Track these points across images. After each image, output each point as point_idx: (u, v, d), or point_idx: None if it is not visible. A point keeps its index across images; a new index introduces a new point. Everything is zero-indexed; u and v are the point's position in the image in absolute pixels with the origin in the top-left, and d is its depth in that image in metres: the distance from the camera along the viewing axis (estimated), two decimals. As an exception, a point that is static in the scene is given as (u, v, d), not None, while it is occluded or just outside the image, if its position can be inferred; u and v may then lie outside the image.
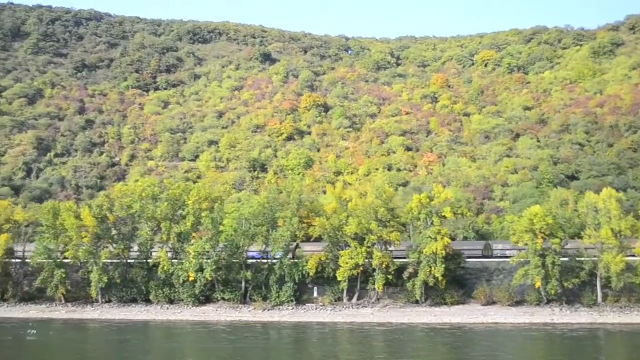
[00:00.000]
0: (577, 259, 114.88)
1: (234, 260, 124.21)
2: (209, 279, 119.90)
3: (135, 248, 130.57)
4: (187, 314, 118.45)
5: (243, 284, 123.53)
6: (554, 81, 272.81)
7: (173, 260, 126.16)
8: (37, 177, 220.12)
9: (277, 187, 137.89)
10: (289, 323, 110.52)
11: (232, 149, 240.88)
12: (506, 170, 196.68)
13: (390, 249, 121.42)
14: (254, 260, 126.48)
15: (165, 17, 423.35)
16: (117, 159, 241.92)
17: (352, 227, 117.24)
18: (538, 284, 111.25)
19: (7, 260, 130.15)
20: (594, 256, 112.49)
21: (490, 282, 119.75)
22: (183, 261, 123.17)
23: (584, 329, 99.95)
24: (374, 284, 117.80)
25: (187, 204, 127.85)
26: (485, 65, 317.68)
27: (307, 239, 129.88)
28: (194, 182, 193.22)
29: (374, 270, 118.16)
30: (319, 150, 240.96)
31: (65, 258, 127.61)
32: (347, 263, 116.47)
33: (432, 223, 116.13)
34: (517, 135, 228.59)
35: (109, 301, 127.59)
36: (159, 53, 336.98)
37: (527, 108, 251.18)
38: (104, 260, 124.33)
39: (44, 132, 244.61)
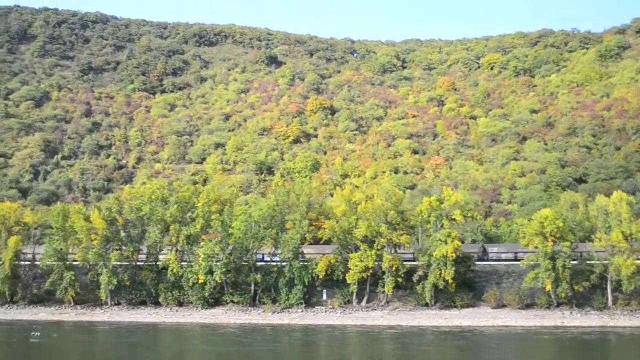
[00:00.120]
0: (588, 262, 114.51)
1: (244, 263, 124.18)
2: (219, 281, 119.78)
3: (145, 250, 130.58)
4: (197, 316, 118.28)
5: (252, 287, 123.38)
6: (560, 84, 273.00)
7: (182, 263, 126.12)
8: (45, 179, 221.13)
9: (286, 190, 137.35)
10: (299, 326, 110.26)
11: (239, 152, 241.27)
12: (514, 173, 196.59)
13: (399, 251, 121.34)
14: (263, 263, 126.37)
15: (171, 20, 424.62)
16: (124, 161, 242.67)
17: (362, 230, 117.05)
18: (548, 287, 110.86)
19: (16, 262, 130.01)
20: (605, 259, 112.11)
21: (500, 285, 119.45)
22: (192, 264, 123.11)
23: (595, 332, 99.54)
24: (383, 286, 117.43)
25: (196, 207, 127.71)
26: (492, 69, 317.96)
27: (316, 241, 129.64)
28: (203, 184, 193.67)
29: (383, 273, 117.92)
30: (325, 153, 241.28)
31: (74, 260, 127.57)
32: (356, 266, 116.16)
33: (442, 226, 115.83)
34: (524, 139, 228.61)
35: (119, 304, 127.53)
36: (165, 56, 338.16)
37: (534, 111, 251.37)
38: (114, 263, 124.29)
39: (51, 134, 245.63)
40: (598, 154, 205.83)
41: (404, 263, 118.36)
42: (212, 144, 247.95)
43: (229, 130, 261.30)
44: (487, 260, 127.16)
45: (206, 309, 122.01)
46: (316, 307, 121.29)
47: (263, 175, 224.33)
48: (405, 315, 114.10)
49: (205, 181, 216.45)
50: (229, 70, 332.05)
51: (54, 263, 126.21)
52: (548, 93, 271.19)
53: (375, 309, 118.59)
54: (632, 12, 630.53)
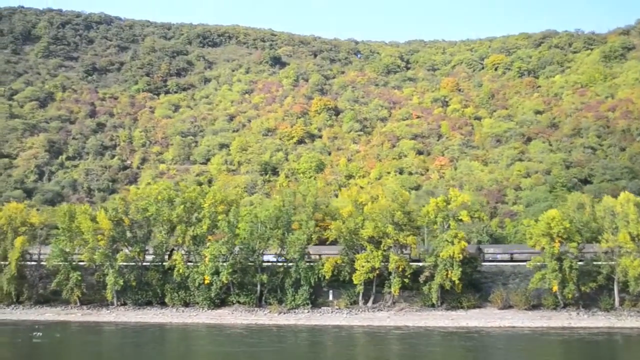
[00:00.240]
0: (595, 263, 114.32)
1: (250, 264, 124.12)
2: (225, 282, 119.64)
3: (151, 251, 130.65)
4: (203, 317, 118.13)
5: (259, 287, 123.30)
6: (564, 85, 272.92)
7: (188, 263, 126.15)
8: (49, 180, 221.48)
9: (292, 191, 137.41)
10: (305, 326, 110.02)
11: (244, 152, 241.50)
12: (519, 174, 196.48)
13: (405, 252, 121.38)
14: (269, 264, 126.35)
15: (175, 21, 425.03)
16: (128, 162, 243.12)
17: (369, 231, 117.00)
18: (555, 288, 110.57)
19: (22, 262, 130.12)
20: (612, 260, 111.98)
21: (507, 286, 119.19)
22: (199, 264, 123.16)
23: (602, 333, 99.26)
24: (389, 287, 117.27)
25: (203, 207, 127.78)
26: (496, 69, 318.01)
27: (322, 242, 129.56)
28: (208, 185, 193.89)
29: (389, 273, 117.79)
30: (330, 154, 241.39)
31: (80, 261, 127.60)
32: (363, 267, 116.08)
33: (449, 227, 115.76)
34: (529, 139, 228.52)
35: (125, 304, 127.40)
36: (169, 56, 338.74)
37: (538, 112, 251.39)
38: (120, 263, 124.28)
39: (55, 135, 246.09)
40: (603, 154, 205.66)
41: (410, 264, 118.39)
42: (217, 145, 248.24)
43: (233, 131, 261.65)
44: (483, 261, 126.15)
45: (212, 309, 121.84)
46: (322, 307, 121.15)
47: (268, 175, 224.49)
48: (412, 316, 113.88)
49: (209, 182, 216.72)
50: (233, 71, 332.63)
51: (60, 263, 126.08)
52: (552, 94, 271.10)
53: (381, 310, 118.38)
54: (636, 13, 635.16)
